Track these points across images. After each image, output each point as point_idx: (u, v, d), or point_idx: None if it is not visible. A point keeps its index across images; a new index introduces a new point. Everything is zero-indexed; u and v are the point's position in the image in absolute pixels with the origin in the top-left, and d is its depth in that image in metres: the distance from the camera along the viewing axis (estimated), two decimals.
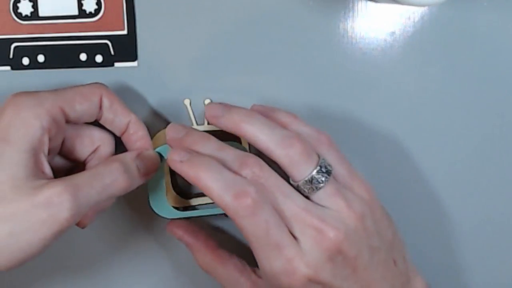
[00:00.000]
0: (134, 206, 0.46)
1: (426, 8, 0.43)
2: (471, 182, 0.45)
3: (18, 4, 0.43)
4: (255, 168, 0.37)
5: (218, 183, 0.36)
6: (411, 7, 0.43)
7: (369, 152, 0.45)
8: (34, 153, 0.36)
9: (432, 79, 0.44)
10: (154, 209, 0.43)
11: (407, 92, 0.44)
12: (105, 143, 0.41)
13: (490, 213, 0.46)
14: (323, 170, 0.37)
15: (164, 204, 0.44)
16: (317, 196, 0.37)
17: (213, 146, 0.38)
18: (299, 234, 0.36)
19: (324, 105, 0.44)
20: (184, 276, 0.47)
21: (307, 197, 0.37)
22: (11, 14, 0.43)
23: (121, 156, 0.40)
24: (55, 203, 0.34)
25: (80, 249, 0.46)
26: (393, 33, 0.44)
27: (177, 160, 0.38)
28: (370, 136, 0.45)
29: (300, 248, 0.36)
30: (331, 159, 0.38)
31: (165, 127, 0.44)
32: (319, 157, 0.38)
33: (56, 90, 0.39)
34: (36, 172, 0.36)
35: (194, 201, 0.45)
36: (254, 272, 0.42)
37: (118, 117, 0.41)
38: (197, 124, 0.44)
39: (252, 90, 0.44)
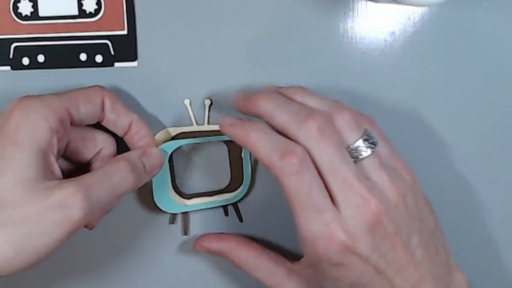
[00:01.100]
0: (135, 204, 0.46)
1: (426, 8, 0.43)
2: (471, 182, 0.45)
3: (18, 4, 0.43)
4: (321, 122, 0.36)
5: (266, 143, 0.36)
6: (411, 7, 0.43)
7: None
8: (44, 155, 0.36)
9: (432, 79, 0.44)
10: (158, 205, 0.44)
11: (407, 92, 0.44)
12: (108, 145, 0.42)
13: (489, 213, 0.46)
14: (370, 140, 0.37)
15: (168, 200, 0.44)
16: (362, 166, 0.37)
17: (280, 100, 0.38)
18: (342, 200, 0.36)
19: None
20: (185, 272, 0.47)
21: None
22: (11, 14, 0.43)
23: (127, 155, 0.40)
24: (68, 204, 0.35)
25: (81, 248, 0.46)
26: (393, 33, 0.44)
27: (227, 124, 0.38)
28: None
29: (341, 214, 0.36)
30: (375, 136, 0.38)
31: (165, 128, 0.44)
32: (366, 129, 0.38)
33: (59, 93, 0.39)
34: (47, 174, 0.36)
35: (194, 201, 0.45)
36: (289, 261, 0.42)
37: (121, 117, 0.41)
38: (197, 124, 0.44)
39: (252, 89, 0.44)
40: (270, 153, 0.36)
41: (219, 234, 0.44)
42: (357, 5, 0.43)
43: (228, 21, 0.43)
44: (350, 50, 0.44)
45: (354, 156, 0.37)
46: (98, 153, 0.41)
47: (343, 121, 0.37)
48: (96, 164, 0.41)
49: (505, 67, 0.44)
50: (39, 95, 0.38)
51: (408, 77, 0.44)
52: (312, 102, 0.38)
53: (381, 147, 0.38)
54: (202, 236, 0.44)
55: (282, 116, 0.37)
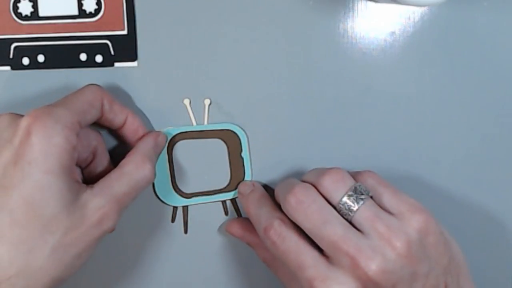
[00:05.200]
0: (135, 204, 0.46)
1: (426, 8, 0.43)
2: (471, 182, 0.45)
3: (18, 4, 0.43)
4: (299, 195, 0.39)
5: (256, 218, 0.41)
6: (411, 7, 0.43)
7: (369, 152, 0.45)
8: (71, 172, 0.37)
9: (432, 79, 0.44)
10: (161, 197, 0.45)
11: (407, 92, 0.44)
12: (99, 141, 0.42)
13: (490, 213, 0.46)
14: (356, 194, 0.38)
15: (170, 192, 0.45)
16: (356, 220, 0.38)
17: (284, 181, 0.42)
18: (334, 261, 0.37)
19: (324, 105, 0.44)
20: (185, 271, 0.47)
21: (350, 221, 0.38)
22: (11, 14, 0.43)
23: (145, 151, 0.41)
24: (105, 221, 0.38)
25: None
26: (393, 33, 0.44)
27: (240, 191, 0.44)
28: (370, 136, 0.45)
29: (334, 271, 0.37)
30: (373, 184, 0.39)
31: (165, 128, 0.44)
32: (352, 184, 0.39)
33: (66, 103, 0.39)
34: (77, 188, 0.37)
35: (194, 201, 0.45)
36: None
37: (117, 115, 0.42)
38: (196, 124, 0.45)
39: (252, 90, 0.44)
40: (259, 228, 0.41)
41: (251, 225, 0.44)
42: (357, 5, 0.43)
43: (228, 21, 0.43)
44: (350, 50, 0.44)
45: (345, 211, 0.38)
46: (95, 151, 0.42)
47: (325, 183, 0.39)
48: (97, 161, 0.42)
49: (505, 67, 0.44)
50: (51, 110, 0.37)
51: (408, 77, 0.44)
52: (310, 176, 0.41)
53: (380, 195, 0.39)
54: (235, 222, 0.45)
55: (277, 194, 0.42)
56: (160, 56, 0.44)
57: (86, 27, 0.43)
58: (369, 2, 0.43)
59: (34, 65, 0.44)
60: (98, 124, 0.42)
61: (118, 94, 0.44)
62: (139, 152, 0.41)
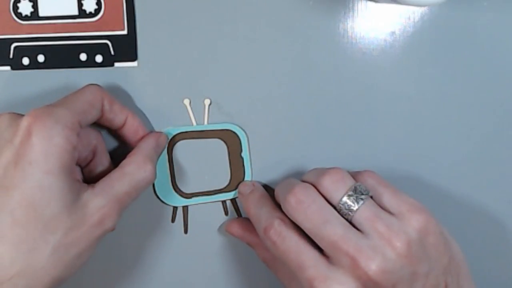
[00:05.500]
0: (135, 203, 0.46)
1: (426, 8, 0.43)
2: (471, 182, 0.45)
3: (18, 4, 0.43)
4: (299, 194, 0.39)
5: (257, 218, 0.41)
6: (411, 7, 0.43)
7: (369, 152, 0.45)
8: (72, 171, 0.37)
9: (432, 79, 0.44)
10: (161, 197, 0.45)
11: (407, 92, 0.44)
12: (99, 140, 0.42)
13: (490, 213, 0.46)
14: (356, 194, 0.38)
15: (170, 192, 0.45)
16: (356, 220, 0.38)
17: (283, 182, 0.42)
18: (334, 261, 0.37)
19: (324, 105, 0.44)
20: (185, 271, 0.47)
21: (350, 221, 0.38)
22: (11, 14, 0.43)
23: (146, 151, 0.41)
24: (105, 221, 0.38)
25: None
26: (393, 33, 0.44)
27: (240, 191, 0.44)
28: (370, 136, 0.45)
29: (335, 271, 0.37)
30: (373, 184, 0.39)
31: (165, 128, 0.44)
32: (352, 184, 0.39)
33: (66, 103, 0.39)
34: (78, 187, 0.38)
35: (194, 201, 0.45)
36: None
37: (117, 116, 0.42)
38: (196, 124, 0.45)
39: (252, 90, 0.44)
40: (259, 228, 0.41)
41: (251, 225, 0.44)
42: (357, 5, 0.44)
43: (228, 21, 0.43)
44: (350, 50, 0.44)
45: (345, 211, 0.38)
46: (95, 150, 0.42)
47: (325, 183, 0.39)
48: (97, 160, 0.42)
49: (505, 67, 0.44)
50: (51, 110, 0.37)
51: (408, 77, 0.44)
52: (310, 176, 0.41)
53: (380, 195, 0.39)
54: (235, 222, 0.45)
55: (276, 194, 0.42)
56: (160, 56, 0.44)
57: (86, 27, 0.43)
58: (369, 2, 0.43)
59: (34, 65, 0.44)
60: (98, 124, 0.42)
61: (118, 94, 0.44)
62: (141, 153, 0.41)
